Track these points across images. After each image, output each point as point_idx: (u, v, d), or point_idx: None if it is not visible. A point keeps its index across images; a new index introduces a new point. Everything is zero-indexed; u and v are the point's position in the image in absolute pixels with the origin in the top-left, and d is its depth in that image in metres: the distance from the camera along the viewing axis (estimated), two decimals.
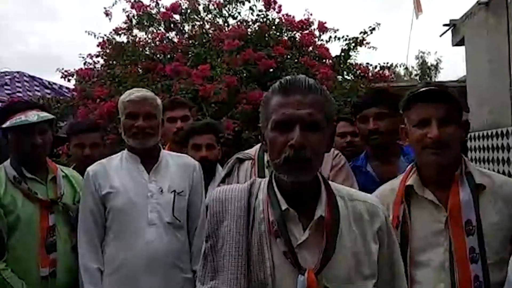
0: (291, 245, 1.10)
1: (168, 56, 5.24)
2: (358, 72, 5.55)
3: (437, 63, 22.13)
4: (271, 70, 4.90)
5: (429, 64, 22.15)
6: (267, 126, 1.14)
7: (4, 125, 2.06)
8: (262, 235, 1.13)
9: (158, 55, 5.32)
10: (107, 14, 5.66)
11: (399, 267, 1.25)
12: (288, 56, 5.11)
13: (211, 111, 4.38)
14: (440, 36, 6.79)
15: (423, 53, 21.99)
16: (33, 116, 2.05)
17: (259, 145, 2.19)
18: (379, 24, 5.55)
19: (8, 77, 8.33)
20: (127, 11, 5.60)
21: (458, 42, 6.38)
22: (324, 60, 5.42)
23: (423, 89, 1.53)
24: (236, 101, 4.49)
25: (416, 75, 21.60)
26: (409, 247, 1.51)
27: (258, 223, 1.14)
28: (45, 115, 2.10)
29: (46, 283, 2.04)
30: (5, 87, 7.72)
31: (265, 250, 1.11)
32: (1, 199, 2.02)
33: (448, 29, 6.56)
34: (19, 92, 7.65)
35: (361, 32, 5.51)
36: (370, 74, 5.49)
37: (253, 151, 2.18)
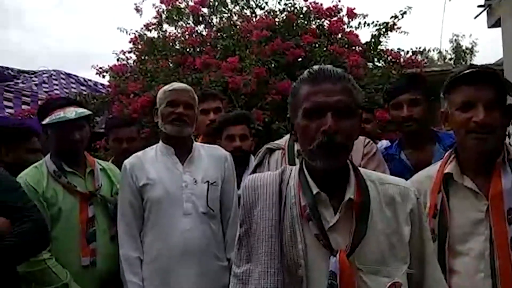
0: (323, 228, 1.13)
1: (198, 49, 5.28)
2: (389, 58, 5.40)
3: (472, 46, 21.31)
4: (300, 59, 4.85)
5: (463, 48, 21.37)
6: (297, 115, 1.17)
7: (44, 122, 2.15)
8: (294, 219, 1.16)
9: (188, 49, 5.37)
10: (137, 10, 5.77)
11: (430, 253, 1.25)
12: (317, 45, 5.04)
13: (241, 103, 4.39)
14: (475, 18, 6.55)
15: (457, 36, 21.23)
16: (71, 112, 2.12)
17: (288, 135, 2.19)
18: (410, 7, 5.38)
19: (46, 75, 8.63)
20: (157, 6, 5.68)
21: (494, 24, 6.13)
22: (353, 47, 5.32)
23: (468, 70, 1.46)
24: (266, 92, 4.49)
25: (450, 59, 20.87)
26: (448, 236, 1.48)
27: (290, 208, 1.18)
28: (82, 111, 2.18)
29: (87, 271, 2.12)
30: (43, 85, 8.00)
31: (297, 233, 1.14)
32: (44, 193, 2.11)
33: (483, 11, 6.31)
34: (56, 89, 7.91)
35: (391, 17, 5.37)
36: (402, 60, 5.34)
37: (283, 141, 2.20)
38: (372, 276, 1.11)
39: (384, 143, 2.69)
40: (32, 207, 1.85)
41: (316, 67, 1.19)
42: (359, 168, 1.22)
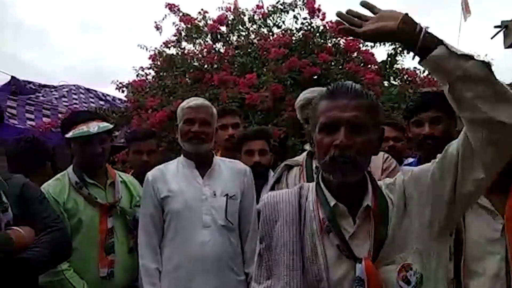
0: (344, 238, 1.14)
1: (216, 66, 5.36)
2: (405, 77, 5.43)
3: None
4: (316, 77, 4.90)
5: None
6: (315, 129, 1.20)
7: (67, 135, 2.21)
8: (314, 232, 1.17)
9: (206, 66, 5.45)
10: (157, 28, 5.89)
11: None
12: (333, 63, 5.10)
13: (257, 119, 4.44)
14: (492, 38, 6.55)
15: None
16: (94, 127, 2.17)
17: (306, 152, 2.22)
18: (427, 27, 5.39)
19: (66, 89, 8.83)
20: (176, 25, 5.80)
21: (510, 44, 6.12)
22: (369, 66, 5.36)
23: None
24: (282, 108, 4.53)
25: None
26: (463, 255, 1.48)
27: (310, 222, 1.19)
28: (105, 125, 2.23)
29: (104, 282, 2.15)
30: (63, 99, 8.18)
31: (318, 247, 1.15)
32: (64, 204, 2.15)
33: (499, 31, 6.31)
34: (76, 104, 8.08)
35: None
36: (418, 79, 5.35)
37: (301, 158, 2.22)
38: (388, 267, 1.12)
39: (410, 160, 2.69)
40: (56, 217, 1.89)
41: (336, 83, 1.22)
42: (377, 181, 1.23)
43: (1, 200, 1.73)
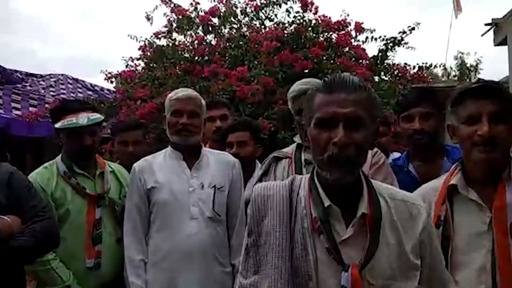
0: (334, 242, 1.11)
1: (207, 58, 5.33)
2: (396, 72, 5.46)
3: (476, 64, 21.39)
4: (307, 71, 4.89)
5: (468, 65, 21.46)
6: (310, 124, 1.15)
7: (56, 125, 2.18)
8: (305, 231, 1.14)
9: (197, 58, 5.41)
10: (148, 18, 5.83)
11: (441, 267, 1.25)
12: (325, 57, 5.09)
13: (247, 112, 4.43)
14: (482, 35, 6.60)
15: (462, 53, 21.33)
16: (83, 119, 2.14)
17: (295, 144, 2.20)
18: (418, 23, 5.42)
19: (53, 79, 8.73)
20: (167, 15, 5.75)
21: (500, 42, 6.18)
22: (360, 61, 5.37)
23: (475, 84, 1.49)
24: (272, 101, 4.53)
25: (454, 76, 20.95)
26: (450, 248, 1.49)
27: (301, 219, 1.15)
28: (95, 117, 2.20)
29: (91, 273, 2.14)
30: (50, 89, 8.09)
31: (308, 246, 1.12)
32: (52, 193, 2.13)
33: (490, 29, 6.36)
34: (63, 93, 8.00)
35: (400, 32, 5.42)
36: (408, 74, 5.38)
37: (290, 150, 2.20)
38: None
39: (396, 155, 2.70)
40: (44, 206, 1.87)
41: (333, 75, 1.17)
42: (372, 181, 1.21)
43: None
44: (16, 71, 8.56)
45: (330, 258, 1.11)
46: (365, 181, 1.17)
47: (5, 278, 1.70)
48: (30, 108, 6.20)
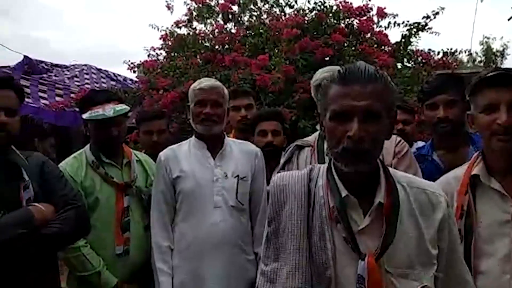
0: (351, 231, 1.12)
1: (227, 47, 5.34)
2: (419, 59, 5.35)
3: (503, 49, 20.75)
4: (328, 58, 4.85)
5: (494, 50, 20.83)
6: (326, 115, 1.16)
7: (84, 116, 2.23)
8: (323, 219, 1.15)
9: (217, 46, 5.43)
10: (168, 7, 5.87)
11: (459, 258, 1.25)
12: (346, 44, 5.04)
13: (268, 100, 4.44)
14: (509, 19, 6.40)
15: (488, 38, 20.71)
16: (109, 110, 2.19)
17: (317, 132, 2.21)
18: (443, 8, 5.30)
19: (77, 69, 8.88)
20: (187, 4, 5.77)
21: None
22: (383, 47, 5.29)
23: (492, 73, 1.48)
24: (293, 90, 4.52)
25: (480, 61, 20.38)
26: (473, 237, 1.49)
27: (319, 208, 1.17)
28: (121, 108, 2.24)
29: (120, 260, 2.20)
30: (75, 79, 8.23)
31: (326, 234, 1.14)
32: (82, 182, 2.20)
33: None
34: (87, 84, 8.12)
35: (423, 17, 5.31)
36: (432, 61, 5.28)
37: (313, 138, 2.21)
38: (402, 279, 1.11)
39: (420, 144, 2.67)
40: (75, 194, 1.94)
41: (347, 66, 1.15)
42: (389, 169, 1.21)
43: (22, 177, 1.78)
44: (41, 61, 8.74)
45: (347, 247, 1.12)
46: (383, 170, 1.18)
47: (38, 264, 1.77)
48: (57, 98, 6.34)
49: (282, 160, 2.26)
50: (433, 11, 5.32)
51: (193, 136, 2.30)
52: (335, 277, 1.11)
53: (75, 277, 2.21)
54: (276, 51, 4.86)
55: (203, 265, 2.11)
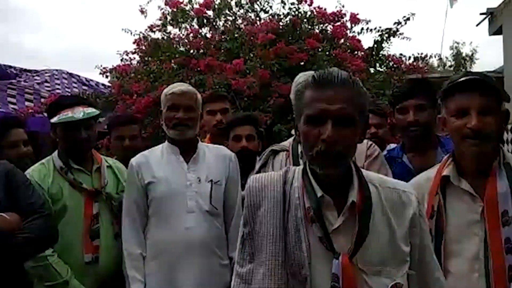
0: (326, 231, 1.14)
1: (202, 51, 5.32)
2: (391, 63, 5.47)
3: (472, 54, 21.43)
4: (303, 63, 4.90)
5: (464, 55, 21.49)
6: (300, 119, 1.18)
7: (52, 120, 2.18)
8: (299, 220, 1.17)
9: (192, 51, 5.42)
10: (142, 11, 5.81)
11: (430, 254, 1.27)
12: (320, 49, 5.10)
13: (243, 105, 4.44)
14: (477, 25, 6.62)
15: (458, 43, 21.35)
16: (79, 113, 2.14)
17: (292, 137, 2.23)
18: (413, 14, 5.44)
19: (48, 74, 8.65)
20: (161, 8, 5.73)
21: (495, 31, 6.19)
22: (356, 52, 5.37)
23: (462, 78, 1.51)
24: (268, 94, 4.54)
25: (450, 66, 20.96)
26: (443, 237, 1.52)
27: (294, 209, 1.18)
28: (91, 111, 2.20)
29: (89, 268, 2.14)
30: (45, 84, 8.02)
31: (301, 235, 1.15)
32: (49, 189, 2.13)
33: (485, 18, 6.38)
34: (58, 89, 7.93)
35: (395, 23, 5.43)
36: (403, 65, 5.39)
37: (287, 143, 2.23)
38: (375, 277, 1.13)
39: (393, 146, 2.72)
40: (43, 203, 1.89)
41: (321, 71, 1.18)
42: (362, 170, 1.24)
43: None
44: (10, 66, 8.50)
45: (322, 246, 1.14)
46: (356, 170, 1.21)
47: (5, 275, 1.72)
48: (26, 103, 6.18)
49: (257, 165, 2.26)
50: (404, 17, 5.44)
51: (166, 141, 2.27)
52: (311, 276, 1.12)
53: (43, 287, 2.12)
54: (251, 55, 4.88)
55: (176, 271, 2.07)
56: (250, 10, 5.79)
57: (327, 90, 1.13)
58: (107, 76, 5.71)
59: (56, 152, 2.26)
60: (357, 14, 5.46)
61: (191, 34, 5.60)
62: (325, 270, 1.12)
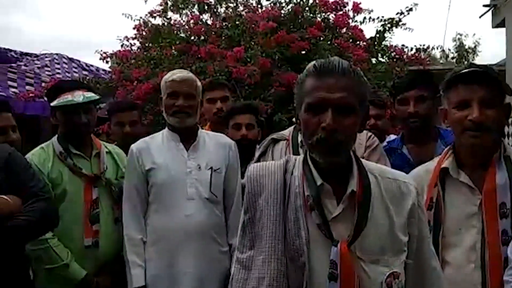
0: (325, 218, 1.15)
1: (202, 38, 5.29)
2: (393, 54, 5.43)
3: (475, 46, 21.31)
4: (304, 52, 4.88)
5: (466, 47, 21.38)
6: (301, 108, 1.19)
7: (52, 104, 2.18)
8: (298, 208, 1.18)
9: (192, 38, 5.37)
10: None
11: (427, 244, 1.28)
12: (322, 38, 5.06)
13: (244, 93, 4.43)
14: (480, 17, 6.58)
15: (461, 35, 21.23)
16: (79, 96, 2.14)
17: (293, 126, 2.23)
18: (416, 4, 5.40)
19: (48, 58, 8.62)
20: None
21: (498, 24, 6.16)
22: (358, 42, 5.34)
23: (465, 70, 1.52)
24: (269, 83, 4.52)
25: (452, 58, 20.88)
26: (441, 229, 1.53)
27: (294, 197, 1.20)
28: (90, 95, 2.20)
29: (89, 252, 2.16)
30: (45, 68, 7.99)
31: (300, 222, 1.16)
32: (49, 174, 2.14)
33: (488, 10, 6.35)
34: (58, 73, 7.90)
35: (397, 13, 5.39)
36: (405, 56, 5.37)
37: (287, 132, 2.23)
38: (372, 265, 1.14)
39: (392, 137, 2.72)
40: (43, 186, 1.89)
41: (322, 60, 1.19)
42: (362, 160, 1.25)
43: None
44: (10, 50, 8.46)
45: (321, 234, 1.15)
46: (355, 160, 1.22)
47: (6, 257, 1.73)
48: (27, 87, 6.16)
49: (257, 153, 2.27)
50: (407, 7, 5.41)
51: (166, 128, 2.27)
52: (309, 263, 1.14)
53: (42, 270, 2.15)
54: (252, 43, 4.85)
55: (176, 257, 2.09)
56: None
57: (328, 78, 1.14)
58: (107, 62, 5.67)
59: (55, 137, 2.26)
60: (360, 3, 5.41)
61: (192, 21, 5.54)
62: (323, 257, 1.14)
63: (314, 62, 1.20)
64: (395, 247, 1.18)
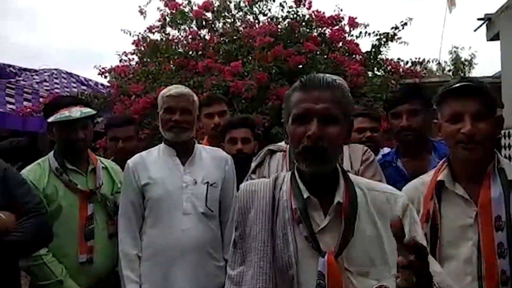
0: (312, 230, 1.17)
1: (200, 53, 5.33)
2: (389, 68, 5.48)
3: (471, 59, 21.43)
4: (301, 66, 4.91)
5: (462, 60, 21.51)
6: (288, 120, 1.23)
7: (49, 120, 2.19)
8: (286, 221, 1.21)
9: (190, 52, 5.41)
10: (141, 12, 5.81)
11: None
12: (318, 52, 5.11)
13: (241, 107, 4.45)
14: (475, 30, 6.64)
15: (457, 48, 21.38)
16: (76, 112, 2.15)
17: None
18: (411, 19, 5.45)
19: (47, 73, 8.65)
20: (161, 10, 5.73)
21: (493, 37, 6.22)
22: (354, 56, 5.39)
23: (457, 84, 1.53)
24: (266, 97, 4.55)
25: (449, 70, 20.99)
26: (438, 241, 1.53)
27: (282, 211, 1.22)
28: (87, 111, 2.21)
29: (83, 268, 2.15)
30: (44, 83, 8.02)
31: (289, 235, 1.19)
32: (44, 189, 2.14)
33: (482, 23, 6.40)
34: (57, 88, 7.93)
35: (392, 28, 5.44)
36: (401, 70, 5.41)
37: (285, 144, 2.22)
38: (360, 277, 1.15)
39: (386, 150, 2.73)
40: (38, 202, 1.89)
41: (307, 76, 1.25)
42: (349, 174, 1.27)
43: None
44: (9, 65, 8.50)
45: (309, 246, 1.17)
46: (342, 172, 1.25)
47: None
48: (25, 103, 6.17)
49: (253, 164, 2.25)
50: (402, 21, 5.47)
51: (163, 143, 2.27)
52: (297, 275, 1.16)
53: (36, 286, 2.13)
54: (250, 58, 4.89)
55: (172, 272, 2.08)
56: (249, 13, 5.80)
57: (313, 91, 1.20)
58: (105, 77, 5.71)
59: (52, 153, 2.26)
60: (355, 18, 5.48)
61: (190, 36, 5.59)
62: (311, 268, 1.15)
63: (301, 78, 1.26)
64: (385, 260, 1.18)
